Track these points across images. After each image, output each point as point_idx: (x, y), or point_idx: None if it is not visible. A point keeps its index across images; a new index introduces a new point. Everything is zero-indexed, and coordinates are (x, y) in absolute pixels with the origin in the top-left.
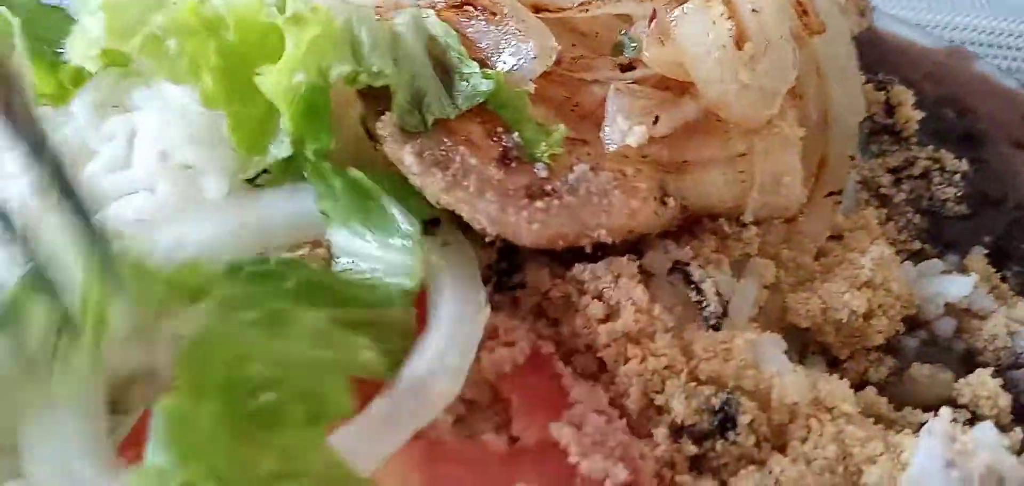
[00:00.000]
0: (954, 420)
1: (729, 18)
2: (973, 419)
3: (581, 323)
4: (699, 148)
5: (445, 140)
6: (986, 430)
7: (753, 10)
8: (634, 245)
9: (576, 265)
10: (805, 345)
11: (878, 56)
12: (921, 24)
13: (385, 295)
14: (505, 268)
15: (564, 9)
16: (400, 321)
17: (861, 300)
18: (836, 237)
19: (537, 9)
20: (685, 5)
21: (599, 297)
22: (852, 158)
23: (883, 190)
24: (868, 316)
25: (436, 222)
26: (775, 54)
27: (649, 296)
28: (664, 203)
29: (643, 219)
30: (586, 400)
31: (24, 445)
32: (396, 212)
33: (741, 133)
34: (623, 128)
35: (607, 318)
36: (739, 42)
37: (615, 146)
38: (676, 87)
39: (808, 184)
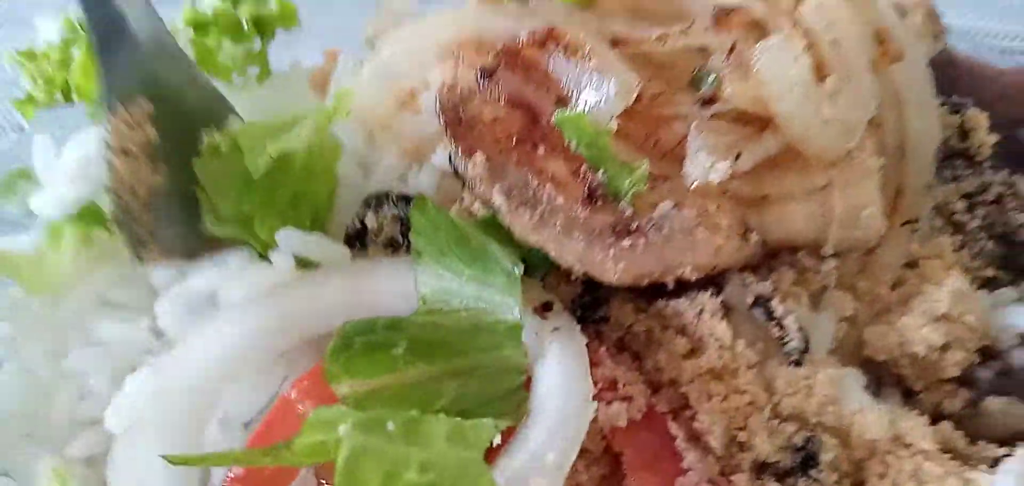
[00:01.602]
0: None
1: (809, 50)
2: None
3: (665, 358)
4: (779, 182)
5: (532, 179)
6: None
7: (833, 42)
8: (713, 278)
9: (659, 300)
10: (881, 377)
11: (951, 78)
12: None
13: (492, 338)
14: (589, 302)
15: (642, 42)
16: (513, 363)
17: (938, 334)
18: (911, 265)
19: (614, 43)
20: (766, 40)
21: (682, 332)
22: (929, 186)
23: (956, 216)
24: (944, 349)
25: (549, 306)
26: (855, 86)
27: (732, 332)
28: (746, 238)
29: (726, 255)
30: (698, 469)
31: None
32: (496, 250)
33: (821, 166)
34: (705, 164)
35: (691, 353)
36: (820, 76)
37: (698, 182)
38: (755, 121)
39: (885, 213)
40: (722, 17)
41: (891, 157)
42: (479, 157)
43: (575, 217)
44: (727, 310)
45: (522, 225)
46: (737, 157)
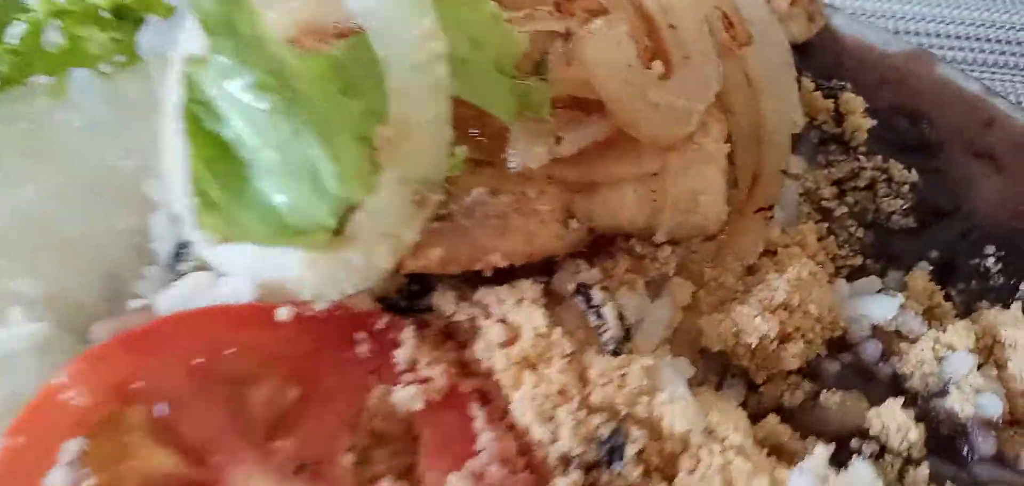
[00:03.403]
0: (859, 453)
1: (646, 35)
2: (882, 451)
3: (482, 347)
4: (609, 167)
5: None
6: (861, 473)
7: (671, 26)
8: (546, 266)
9: (480, 289)
10: (725, 368)
11: (834, 60)
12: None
13: None
14: (416, 291)
15: None
16: None
17: (773, 323)
18: (770, 253)
19: None
20: (591, 24)
21: (503, 320)
22: (787, 172)
23: (825, 203)
24: (785, 339)
25: None
26: (693, 70)
27: (551, 319)
28: (566, 225)
29: (543, 242)
30: (491, 449)
31: None
32: None
33: (655, 151)
34: (525, 149)
35: (509, 342)
36: (648, 61)
37: (517, 167)
38: (590, 106)
39: (741, 199)
40: (565, 2)
41: (745, 142)
42: None
43: None
44: (555, 298)
45: None
46: (557, 141)
